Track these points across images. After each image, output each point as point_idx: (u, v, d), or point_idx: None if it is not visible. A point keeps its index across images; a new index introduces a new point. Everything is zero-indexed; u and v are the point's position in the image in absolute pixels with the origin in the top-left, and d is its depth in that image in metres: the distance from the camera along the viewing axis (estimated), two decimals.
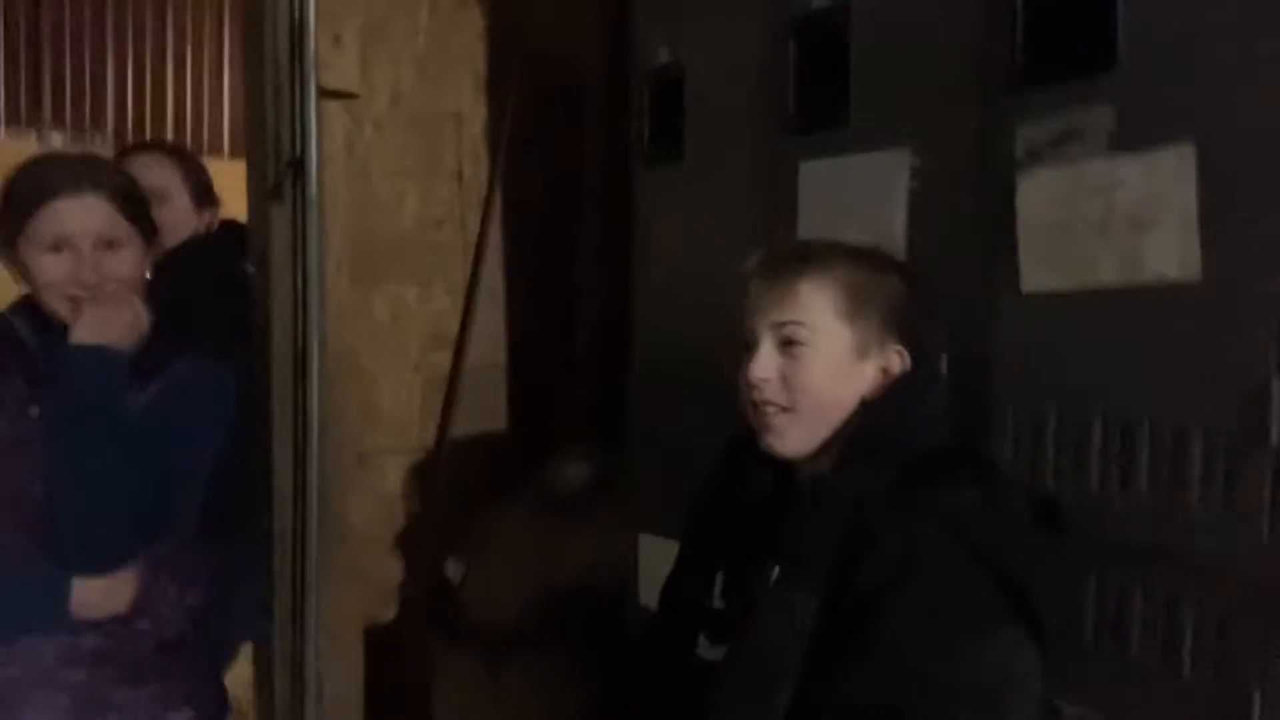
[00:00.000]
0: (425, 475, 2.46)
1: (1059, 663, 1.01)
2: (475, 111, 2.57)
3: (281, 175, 2.14)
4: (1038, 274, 1.18)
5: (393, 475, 2.45)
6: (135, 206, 1.28)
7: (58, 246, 1.19)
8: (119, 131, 4.91)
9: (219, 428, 1.35)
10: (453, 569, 2.15)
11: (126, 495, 1.19)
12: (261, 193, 2.18)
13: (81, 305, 1.21)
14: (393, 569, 2.41)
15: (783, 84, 1.53)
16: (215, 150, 5.11)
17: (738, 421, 1.61)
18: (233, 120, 5.25)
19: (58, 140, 4.87)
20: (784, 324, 1.13)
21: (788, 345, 1.13)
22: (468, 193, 2.58)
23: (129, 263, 1.26)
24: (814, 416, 1.13)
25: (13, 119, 4.80)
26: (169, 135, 4.99)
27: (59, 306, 1.22)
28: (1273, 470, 0.97)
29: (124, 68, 5.07)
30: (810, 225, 1.50)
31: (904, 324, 1.15)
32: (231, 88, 5.28)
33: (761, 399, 1.15)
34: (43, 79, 4.83)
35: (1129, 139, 1.08)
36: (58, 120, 4.92)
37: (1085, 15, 1.12)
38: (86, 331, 1.20)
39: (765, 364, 1.14)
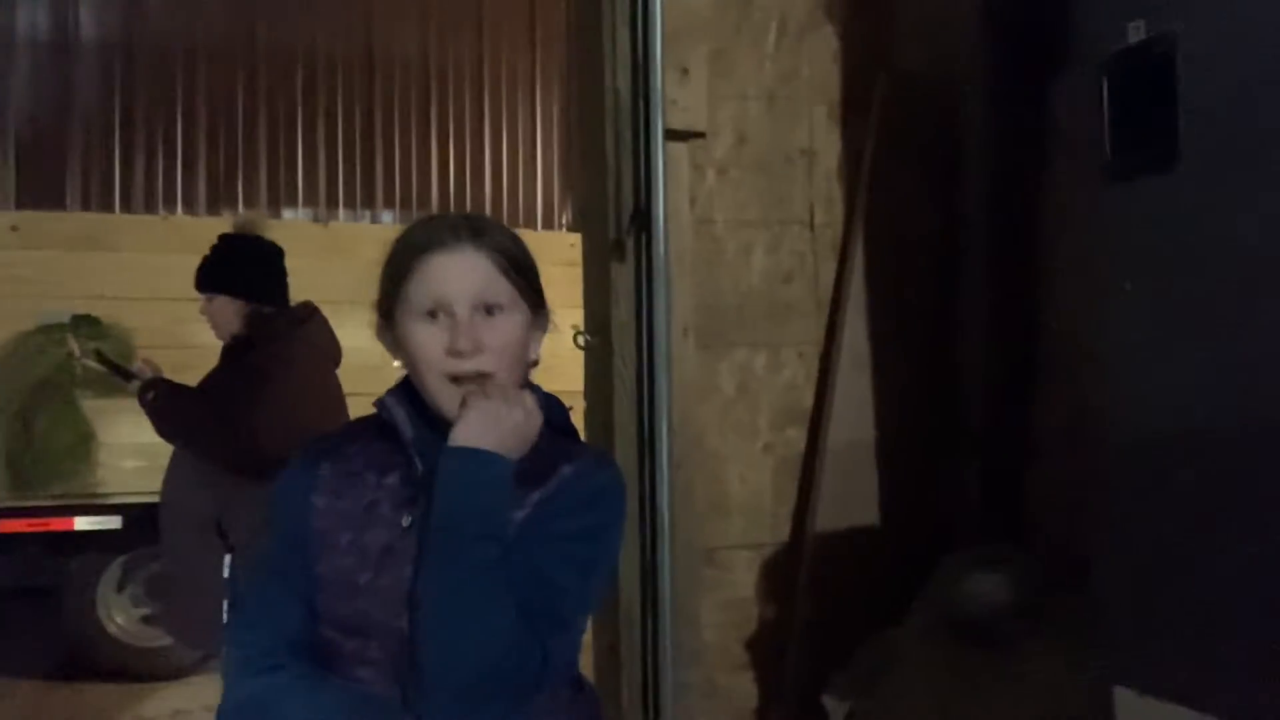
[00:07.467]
0: (782, 576, 2.06)
1: None
2: (828, 146, 2.19)
3: (624, 229, 1.85)
4: None
5: (743, 575, 2.07)
6: (520, 271, 1.02)
7: (433, 312, 0.99)
8: (442, 208, 5.05)
9: (611, 547, 1.03)
10: (833, 706, 1.71)
11: (504, 633, 0.91)
12: (600, 251, 1.91)
13: (467, 401, 0.97)
14: (748, 690, 2.01)
15: None
16: (529, 223, 5.17)
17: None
18: (544, 192, 5.31)
19: (389, 219, 5.08)
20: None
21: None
22: (821, 241, 2.20)
23: (508, 333, 1.00)
24: None
25: (349, 202, 5.06)
26: (487, 210, 5.07)
27: (439, 396, 0.99)
28: None
29: (446, 149, 5.24)
30: None
31: None
32: (544, 161, 5.36)
33: None
34: (375, 163, 5.07)
35: None
36: (388, 201, 5.13)
37: None
38: (469, 432, 0.96)
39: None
